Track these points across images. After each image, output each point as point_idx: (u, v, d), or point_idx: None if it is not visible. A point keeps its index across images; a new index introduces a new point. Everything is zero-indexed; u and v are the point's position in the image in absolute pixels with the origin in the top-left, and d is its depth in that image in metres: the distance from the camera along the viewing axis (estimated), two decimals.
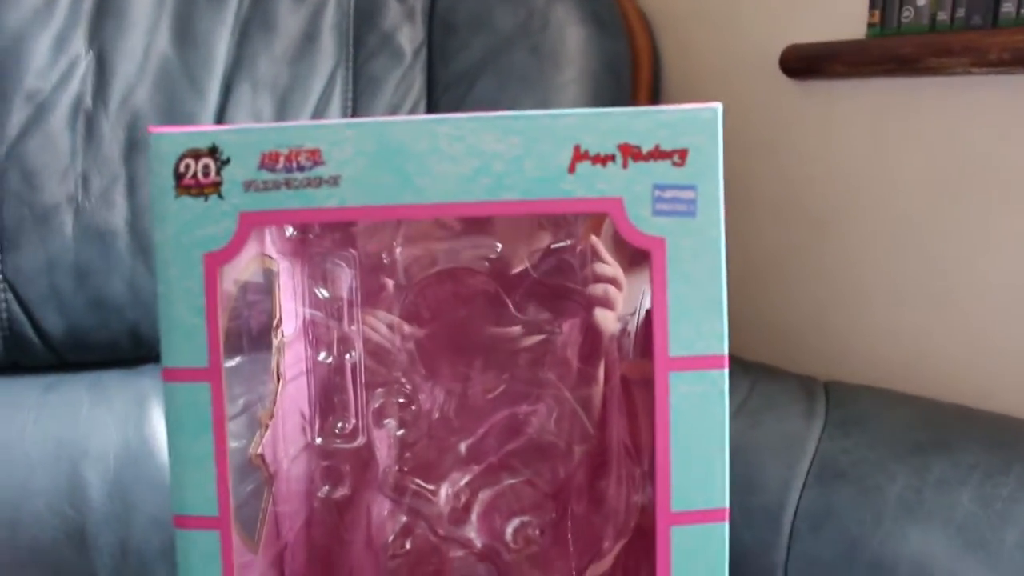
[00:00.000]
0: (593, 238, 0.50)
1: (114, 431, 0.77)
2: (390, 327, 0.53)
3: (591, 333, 0.51)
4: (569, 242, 0.51)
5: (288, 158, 0.38)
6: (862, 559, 0.64)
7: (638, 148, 0.36)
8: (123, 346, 0.81)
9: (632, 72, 0.99)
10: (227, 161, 0.38)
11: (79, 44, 0.81)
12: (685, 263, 0.37)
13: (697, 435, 0.38)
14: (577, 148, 0.36)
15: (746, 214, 0.92)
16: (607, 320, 0.50)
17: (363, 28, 0.92)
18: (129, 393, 0.79)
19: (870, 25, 0.78)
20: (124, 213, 0.80)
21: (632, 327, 0.50)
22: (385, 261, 0.53)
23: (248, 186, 0.38)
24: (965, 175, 0.75)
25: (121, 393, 0.79)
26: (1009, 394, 0.72)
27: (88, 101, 0.81)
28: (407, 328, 0.53)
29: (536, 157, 0.37)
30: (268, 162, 0.38)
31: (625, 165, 0.36)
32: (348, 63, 0.91)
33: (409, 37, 0.94)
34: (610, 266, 0.49)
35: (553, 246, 0.51)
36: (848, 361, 0.86)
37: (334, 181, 0.37)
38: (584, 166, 0.36)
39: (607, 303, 0.50)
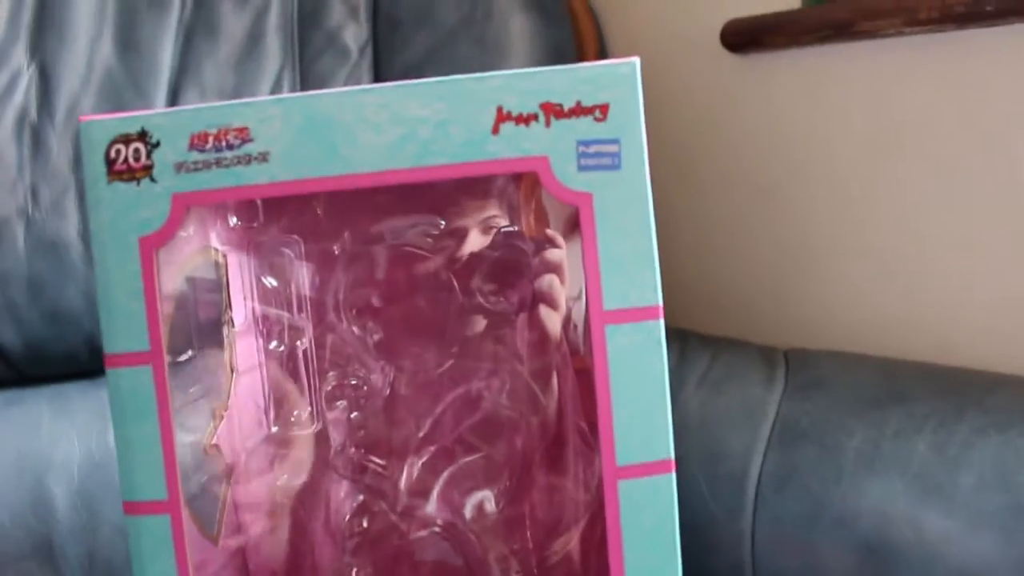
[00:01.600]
0: (549, 231, 0.50)
1: (77, 442, 0.77)
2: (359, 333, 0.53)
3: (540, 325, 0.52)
4: (517, 227, 0.52)
5: (217, 137, 0.38)
6: (826, 515, 0.65)
7: (560, 106, 0.37)
8: (81, 358, 0.81)
9: (578, 57, 0.99)
10: (157, 144, 0.38)
11: (20, 57, 0.80)
12: (613, 216, 0.37)
13: (637, 387, 0.39)
14: (500, 109, 0.37)
15: (694, 188, 0.93)
16: (552, 321, 0.51)
17: (307, 28, 0.92)
18: (90, 404, 0.79)
19: None
20: (76, 223, 0.79)
21: (578, 318, 0.50)
22: (335, 250, 0.53)
23: (179, 167, 0.38)
24: (901, 135, 0.76)
25: (82, 404, 0.79)
26: (961, 347, 0.74)
27: (33, 114, 0.80)
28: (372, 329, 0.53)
29: (460, 121, 0.37)
30: (198, 143, 0.38)
31: (548, 123, 0.37)
32: (294, 64, 0.91)
33: (354, 35, 0.94)
34: (559, 249, 0.50)
35: (503, 229, 0.52)
36: (807, 328, 0.87)
37: (263, 157, 0.38)
38: (508, 127, 0.37)
39: (552, 301, 0.50)
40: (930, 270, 0.76)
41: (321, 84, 0.91)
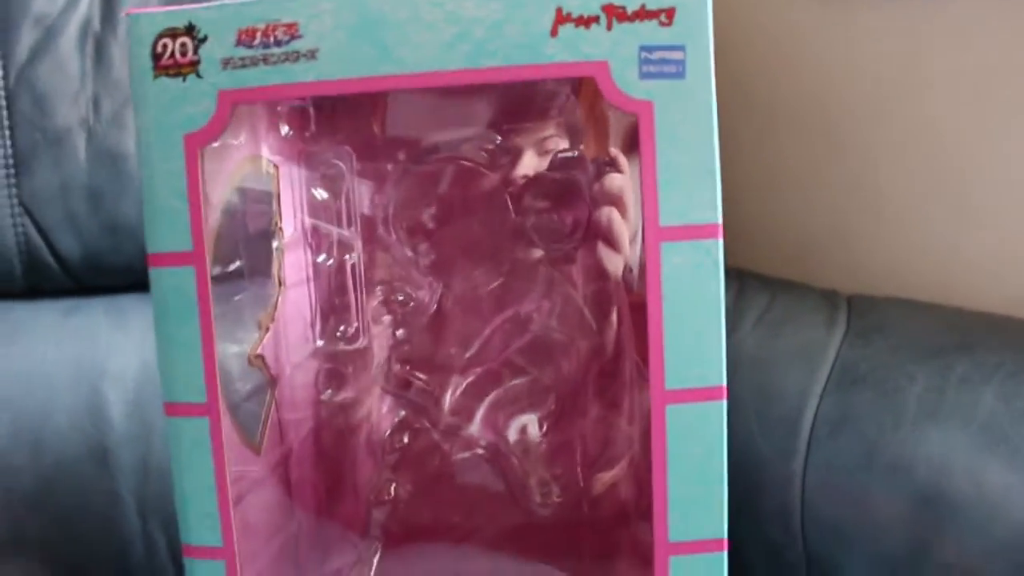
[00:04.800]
0: (613, 150, 0.48)
1: (132, 353, 0.78)
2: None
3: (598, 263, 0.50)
4: (577, 152, 0.50)
5: (265, 33, 0.37)
6: (880, 461, 0.63)
7: (623, 8, 0.35)
8: (138, 269, 0.81)
9: None
10: (204, 39, 0.37)
11: None
12: (675, 128, 0.35)
13: (692, 308, 0.37)
14: (559, 10, 0.35)
15: (766, 126, 0.89)
16: (613, 263, 0.49)
17: None
18: (145, 315, 0.79)
19: None
20: (135, 135, 0.79)
21: (633, 261, 0.48)
22: (388, 164, 0.52)
23: (226, 64, 0.37)
24: (997, 75, 0.71)
25: (137, 316, 0.80)
26: None
27: (96, 24, 0.80)
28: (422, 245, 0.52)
29: (517, 21, 0.35)
30: (245, 38, 0.37)
31: (610, 26, 0.35)
32: None
33: None
34: (621, 175, 0.47)
35: (561, 154, 0.50)
36: (872, 274, 0.83)
37: (312, 55, 0.36)
38: (567, 29, 0.35)
39: (611, 239, 0.48)
40: (1011, 223, 0.72)
41: None
